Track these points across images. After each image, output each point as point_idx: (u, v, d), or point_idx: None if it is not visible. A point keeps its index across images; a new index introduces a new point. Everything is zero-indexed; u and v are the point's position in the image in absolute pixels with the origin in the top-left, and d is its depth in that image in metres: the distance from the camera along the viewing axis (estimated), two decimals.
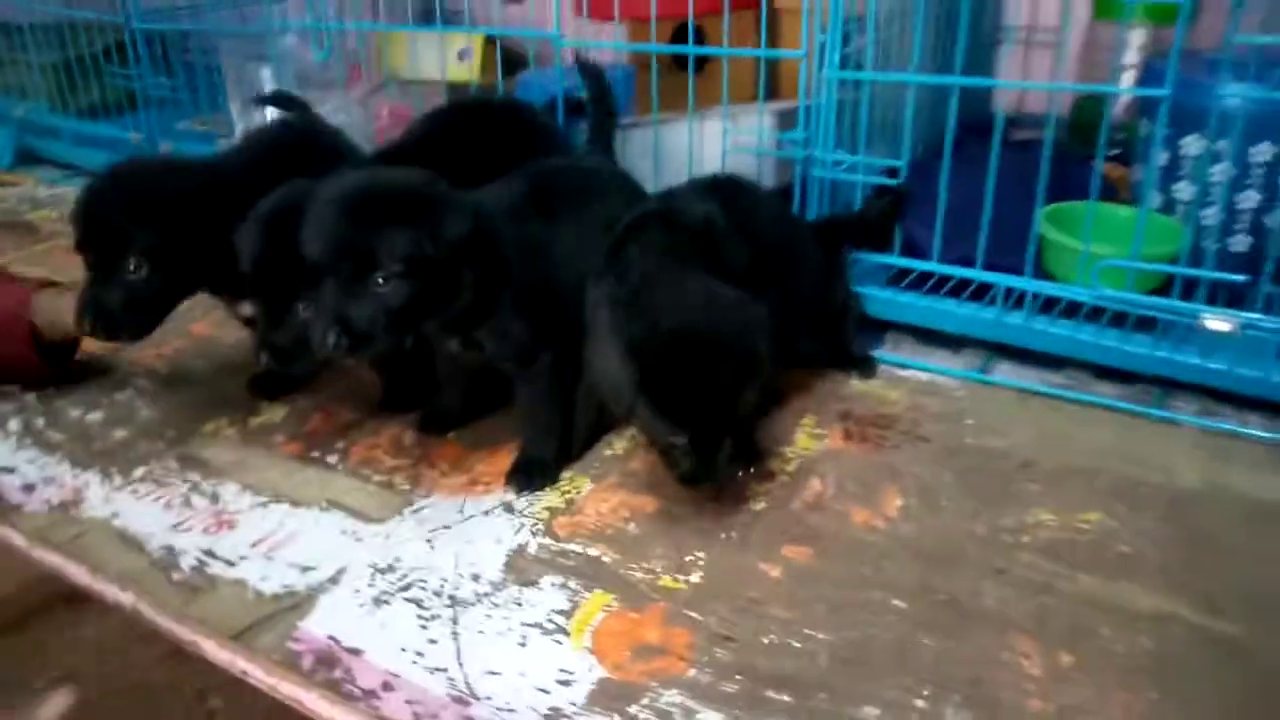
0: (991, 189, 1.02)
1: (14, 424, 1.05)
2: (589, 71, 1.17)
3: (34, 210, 1.70)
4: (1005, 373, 1.07)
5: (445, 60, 1.55)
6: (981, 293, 1.09)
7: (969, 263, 1.07)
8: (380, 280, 0.80)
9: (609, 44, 1.31)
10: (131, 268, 0.93)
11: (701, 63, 1.16)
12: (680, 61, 1.26)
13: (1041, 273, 1.08)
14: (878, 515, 0.86)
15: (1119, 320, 1.03)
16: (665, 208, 0.91)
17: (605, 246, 0.87)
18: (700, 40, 1.32)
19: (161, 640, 0.76)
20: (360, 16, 1.59)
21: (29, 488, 0.94)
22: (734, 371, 0.78)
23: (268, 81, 1.55)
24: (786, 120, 1.16)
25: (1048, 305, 1.06)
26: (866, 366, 1.08)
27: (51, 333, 1.04)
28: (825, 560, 0.81)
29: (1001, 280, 1.05)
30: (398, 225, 0.80)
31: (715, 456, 0.80)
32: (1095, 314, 1.04)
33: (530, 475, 0.91)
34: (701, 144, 1.16)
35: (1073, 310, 1.05)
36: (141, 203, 0.93)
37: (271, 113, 1.56)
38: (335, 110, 1.51)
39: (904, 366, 1.09)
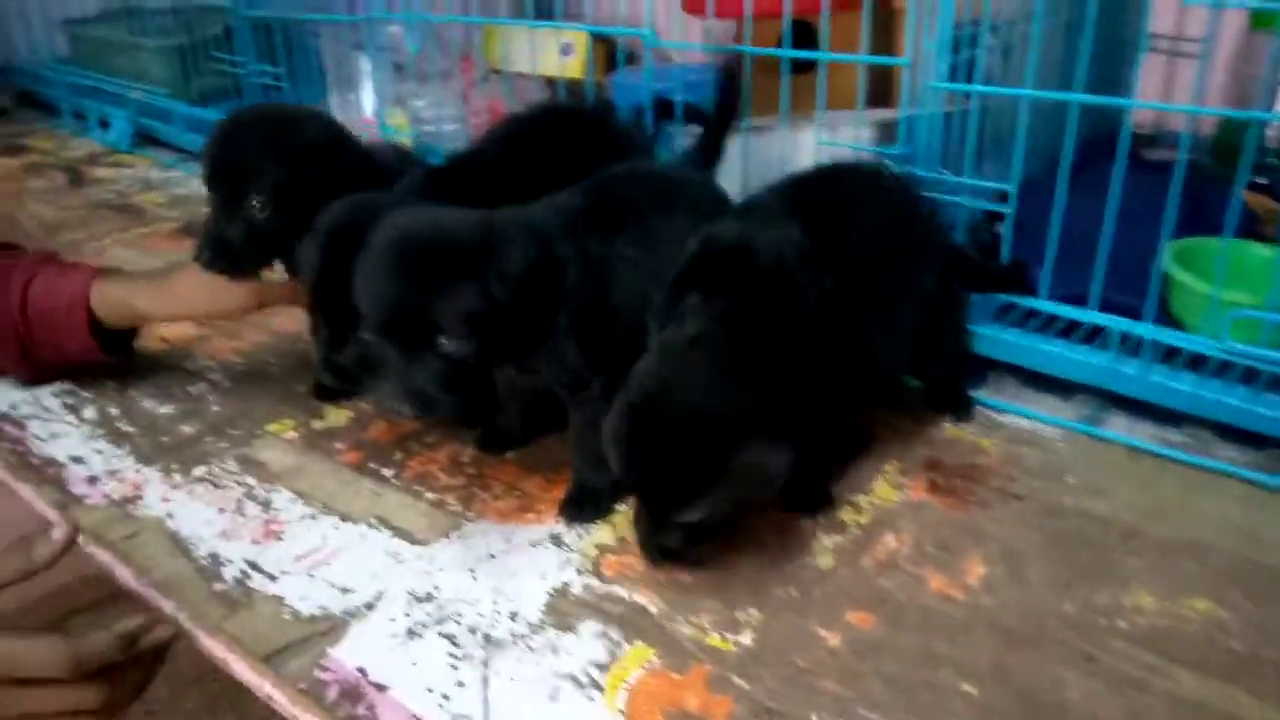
0: (1112, 217, 0.92)
1: (89, 412, 1.06)
2: (727, 74, 1.09)
3: (144, 192, 1.74)
4: (1116, 426, 0.96)
5: (545, 55, 1.52)
6: (1096, 334, 0.99)
7: (1082, 301, 0.97)
8: (444, 341, 0.76)
9: (695, 45, 1.24)
10: (255, 205, 0.95)
11: (806, 65, 1.08)
12: (790, 62, 1.18)
13: (1165, 317, 0.97)
14: (956, 583, 0.78)
15: (1250, 376, 0.92)
16: (737, 242, 0.81)
17: (668, 278, 0.80)
18: (809, 40, 1.25)
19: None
20: (467, 9, 1.57)
21: (93, 479, 0.95)
22: (703, 455, 0.70)
23: (366, 71, 1.54)
24: (888, 133, 1.08)
25: (1170, 354, 0.95)
26: (964, 408, 0.99)
27: (114, 319, 1.03)
28: (891, 630, 0.73)
29: (1117, 324, 0.95)
30: (458, 281, 0.75)
31: (667, 529, 0.73)
32: (1224, 368, 0.93)
33: (581, 506, 0.87)
34: (794, 154, 1.09)
35: (1198, 362, 0.94)
36: (269, 142, 0.96)
37: (369, 99, 1.55)
38: (431, 104, 1.49)
39: (1002, 411, 1.00)
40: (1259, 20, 1.34)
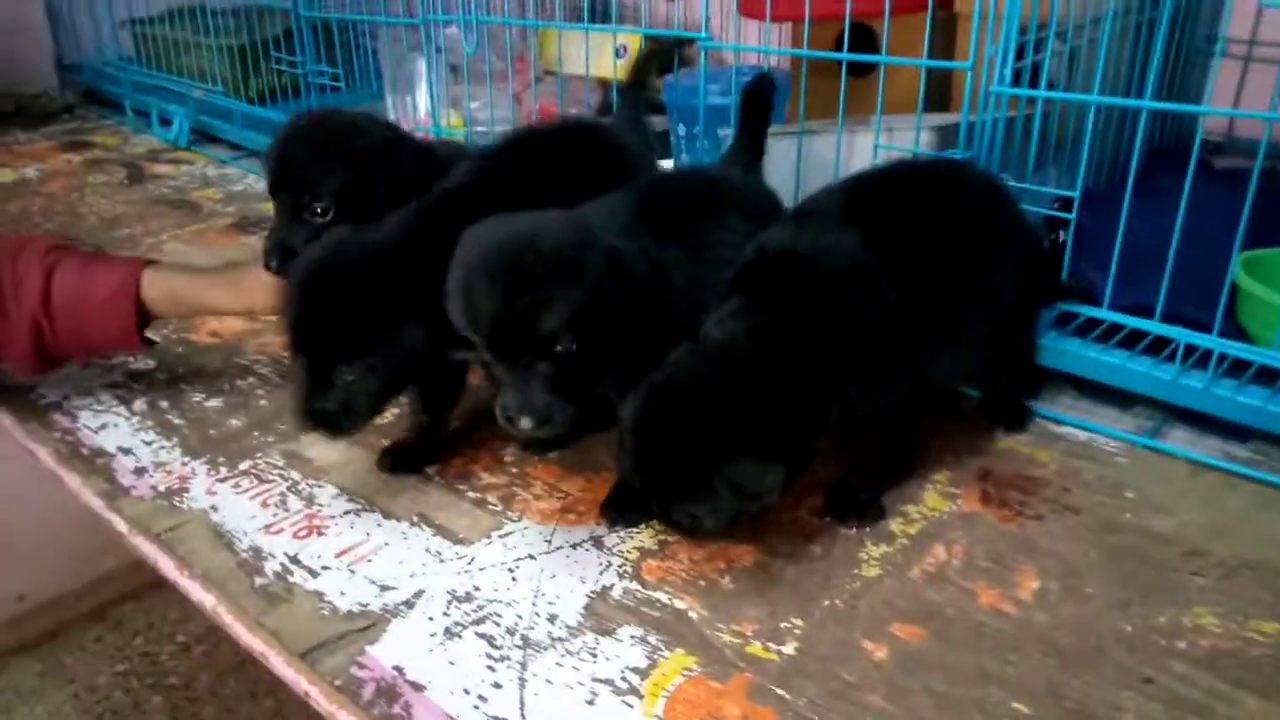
0: (1180, 226, 0.89)
1: (139, 404, 1.07)
2: (762, 81, 1.04)
3: (201, 189, 1.77)
4: (1178, 440, 0.93)
5: (600, 57, 1.51)
6: (1159, 346, 0.96)
7: (1147, 311, 0.94)
8: (558, 349, 0.73)
9: (753, 47, 1.23)
10: (318, 210, 0.96)
11: (866, 68, 1.06)
12: (851, 67, 1.16)
13: (1234, 329, 0.94)
14: (1008, 597, 0.75)
15: None
16: (789, 249, 0.78)
17: (724, 279, 0.78)
18: (870, 43, 1.23)
19: None
20: (523, 12, 1.57)
21: (140, 470, 0.95)
22: (689, 461, 0.70)
23: (422, 73, 1.54)
24: (948, 137, 1.05)
25: (1237, 367, 0.92)
26: (1022, 420, 0.96)
27: (168, 310, 1.03)
28: (940, 644, 0.71)
29: (1183, 336, 0.92)
30: (567, 284, 0.72)
31: (670, 510, 0.73)
32: None
33: (623, 510, 0.85)
34: (850, 158, 1.07)
35: (1268, 375, 0.91)
36: (330, 147, 0.97)
37: (424, 100, 1.56)
38: (486, 105, 1.49)
39: (1060, 422, 0.97)
40: None
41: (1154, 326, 0.94)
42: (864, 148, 1.05)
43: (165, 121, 2.01)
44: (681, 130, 1.26)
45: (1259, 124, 0.90)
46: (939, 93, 1.18)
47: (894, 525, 0.84)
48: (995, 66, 0.94)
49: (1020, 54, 0.94)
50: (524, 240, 0.73)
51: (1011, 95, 0.96)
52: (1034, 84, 0.97)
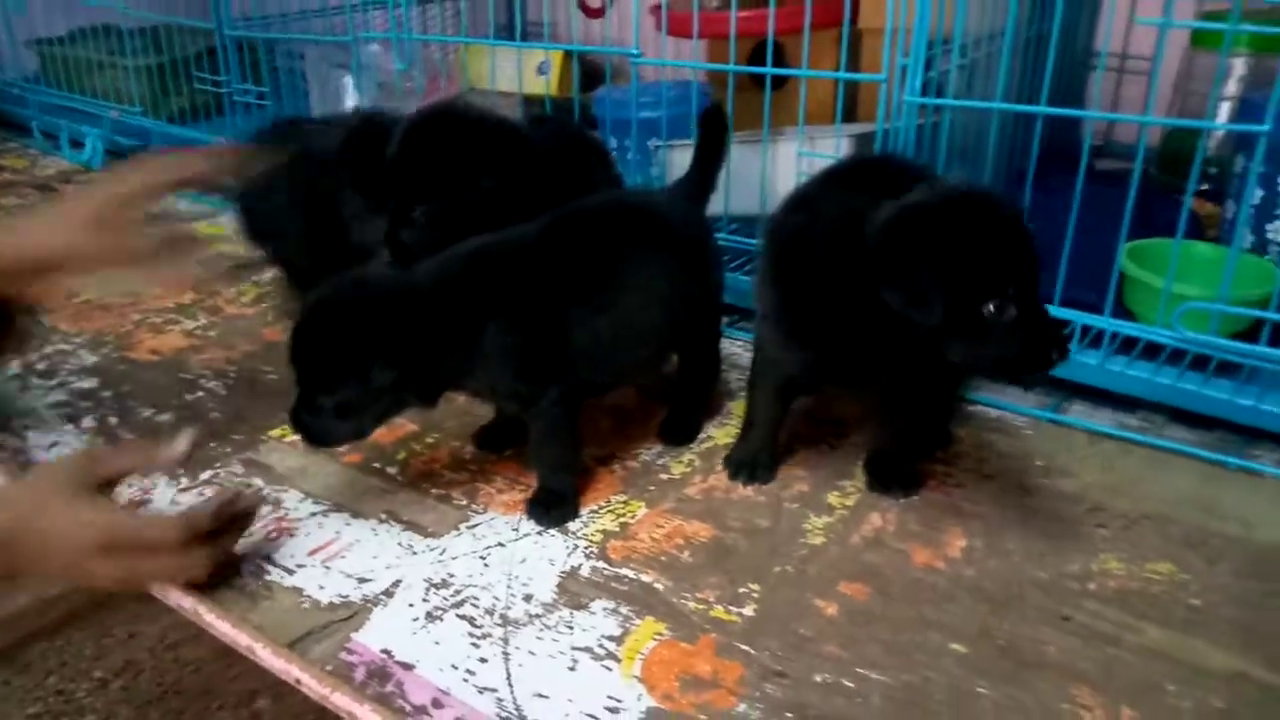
0: (1073, 221, 0.99)
1: (88, 421, 1.08)
2: (715, 113, 1.05)
3: None
4: (1078, 413, 1.04)
5: (523, 73, 1.57)
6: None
7: (1046, 298, 1.04)
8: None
9: (686, 63, 1.30)
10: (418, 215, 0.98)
11: (780, 80, 1.14)
12: (760, 80, 1.25)
13: (1122, 311, 1.04)
14: (939, 555, 0.84)
15: (1201, 364, 0.99)
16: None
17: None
18: (780, 58, 1.31)
19: (217, 639, 0.78)
20: (443, 28, 1.62)
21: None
22: None
23: (349, 90, 1.58)
24: (864, 144, 1.14)
25: (1126, 345, 1.03)
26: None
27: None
28: (883, 599, 0.79)
29: (1078, 318, 1.02)
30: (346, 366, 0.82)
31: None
32: (1176, 356, 1.01)
33: (549, 509, 0.91)
34: (775, 166, 1.15)
35: (1152, 351, 1.02)
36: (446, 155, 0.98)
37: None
38: None
39: (973, 402, 1.06)
40: (1199, 39, 1.43)
41: (1053, 310, 1.04)
42: (787, 156, 1.13)
43: (76, 143, 1.98)
44: (613, 143, 1.32)
45: (1133, 129, 1.00)
46: (848, 104, 1.28)
47: (832, 499, 0.92)
48: (907, 78, 1.03)
49: (929, 66, 1.04)
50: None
51: (922, 104, 1.05)
52: (939, 94, 1.07)
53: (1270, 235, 1.07)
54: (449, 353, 0.84)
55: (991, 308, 0.73)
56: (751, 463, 0.95)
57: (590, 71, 1.71)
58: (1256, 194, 1.06)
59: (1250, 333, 0.97)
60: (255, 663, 0.75)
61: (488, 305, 0.85)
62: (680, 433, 1.02)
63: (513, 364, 0.86)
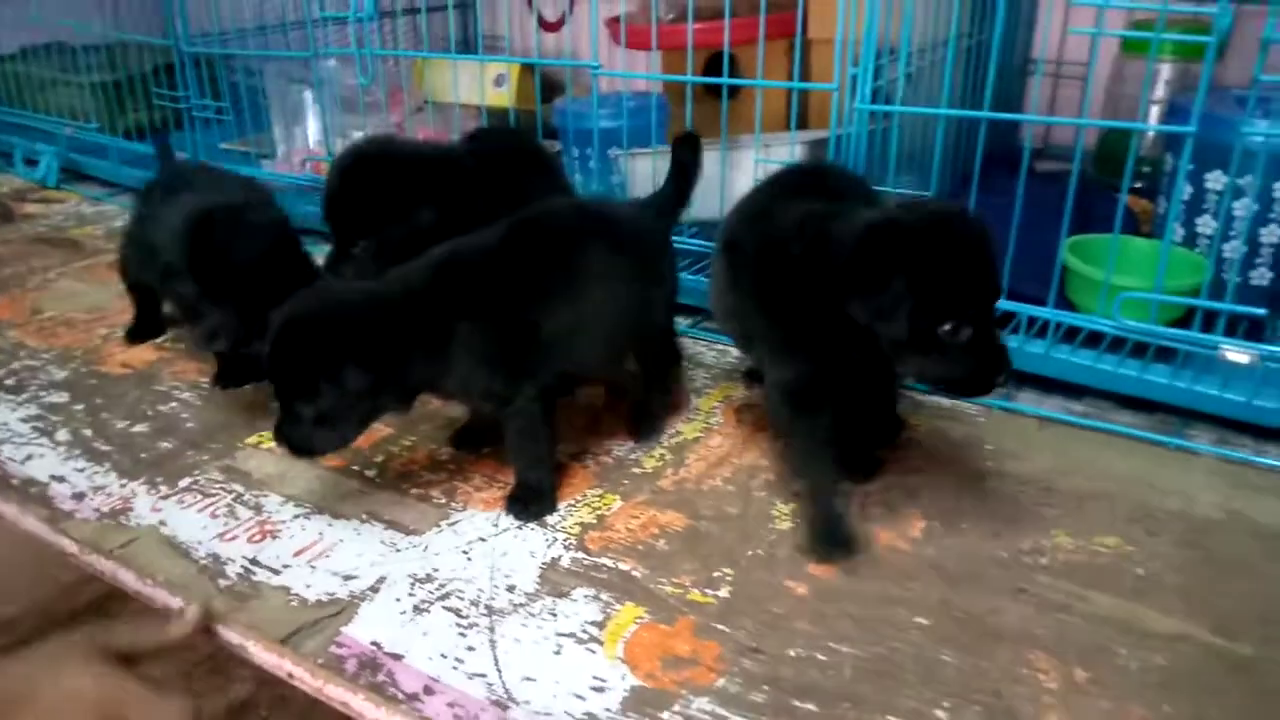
0: (1016, 219, 1.04)
1: (62, 434, 1.09)
2: (686, 142, 1.07)
3: (78, 227, 1.75)
4: (1027, 400, 1.09)
5: (482, 86, 1.60)
6: (1004, 321, 1.11)
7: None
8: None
9: (645, 75, 1.35)
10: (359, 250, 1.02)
11: (734, 90, 1.19)
12: (713, 90, 1.29)
13: (1065, 303, 1.10)
14: (901, 536, 0.88)
15: (1140, 351, 1.06)
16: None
17: None
18: (733, 69, 1.36)
19: (180, 658, 0.80)
20: (402, 43, 1.64)
21: (79, 495, 0.98)
22: None
23: (310, 104, 1.60)
24: (817, 150, 1.19)
25: (1070, 334, 1.09)
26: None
27: None
28: (850, 578, 0.83)
29: (1024, 310, 1.08)
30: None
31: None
32: (1117, 344, 1.07)
33: (527, 504, 0.94)
34: (733, 172, 1.19)
35: (1095, 340, 1.08)
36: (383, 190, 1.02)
37: (313, 131, 1.61)
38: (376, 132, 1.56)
39: (925, 393, 1.11)
40: (1129, 46, 1.51)
41: (1000, 304, 1.09)
42: (744, 162, 1.18)
43: (30, 161, 1.98)
44: (575, 152, 1.36)
45: (1071, 132, 1.06)
46: (800, 112, 1.33)
47: (798, 485, 0.96)
48: (858, 86, 1.08)
49: (877, 75, 1.09)
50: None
51: (872, 111, 1.10)
52: (888, 102, 1.12)
53: (1200, 229, 1.14)
54: (422, 355, 0.87)
55: (948, 327, 0.77)
56: (836, 533, 0.87)
57: (548, 83, 1.74)
58: (1185, 190, 1.13)
59: (1184, 320, 1.03)
60: (217, 680, 0.76)
61: (457, 307, 0.88)
62: (644, 424, 1.06)
63: (486, 363, 0.89)
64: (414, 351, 0.86)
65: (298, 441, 0.87)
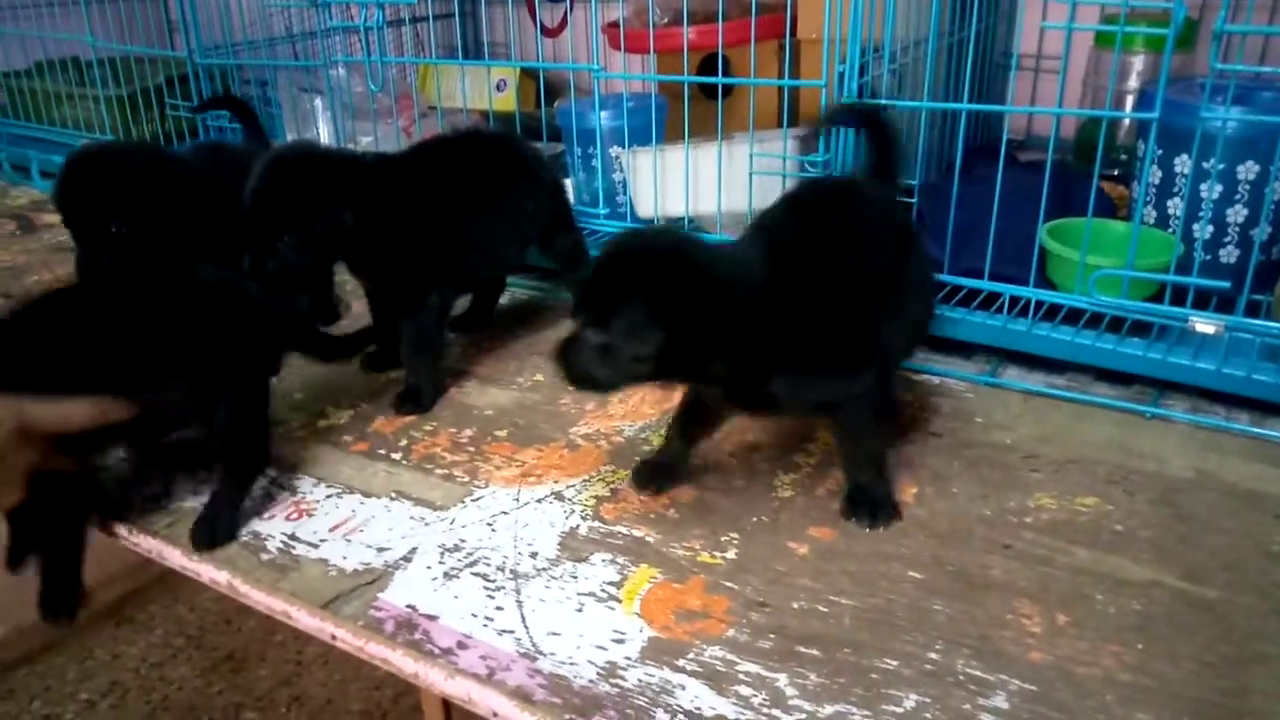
0: (997, 206, 1.11)
1: None
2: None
3: None
4: (1012, 376, 1.16)
5: (486, 92, 1.67)
6: (989, 302, 1.18)
7: (977, 274, 1.16)
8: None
9: (646, 76, 1.41)
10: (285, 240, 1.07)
11: (728, 90, 1.26)
12: (707, 90, 1.36)
13: (1045, 283, 1.17)
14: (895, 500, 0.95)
15: (1116, 326, 1.12)
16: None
17: None
18: (726, 69, 1.42)
19: (199, 656, 0.85)
20: (406, 50, 1.71)
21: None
22: None
23: (320, 112, 1.66)
24: (808, 144, 1.25)
25: (1051, 313, 1.15)
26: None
27: None
28: (848, 539, 0.90)
29: (1007, 290, 1.15)
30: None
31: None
32: (1094, 320, 1.13)
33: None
34: (730, 167, 1.26)
35: (1073, 317, 1.14)
36: (307, 186, 1.07)
37: (324, 137, 1.68)
38: (384, 137, 1.62)
39: (917, 371, 1.18)
40: (1104, 38, 1.57)
41: (984, 285, 1.16)
42: (740, 156, 1.24)
43: (46, 174, 2.03)
44: (578, 151, 1.43)
45: (1049, 122, 1.13)
46: (790, 108, 1.39)
47: (798, 458, 1.02)
48: (844, 83, 1.15)
49: (863, 71, 1.16)
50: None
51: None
52: (874, 97, 1.19)
53: (1170, 211, 1.20)
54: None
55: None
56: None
57: (548, 86, 1.81)
58: (1155, 174, 1.19)
59: (1157, 296, 1.10)
60: (237, 679, 0.82)
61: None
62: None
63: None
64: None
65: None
